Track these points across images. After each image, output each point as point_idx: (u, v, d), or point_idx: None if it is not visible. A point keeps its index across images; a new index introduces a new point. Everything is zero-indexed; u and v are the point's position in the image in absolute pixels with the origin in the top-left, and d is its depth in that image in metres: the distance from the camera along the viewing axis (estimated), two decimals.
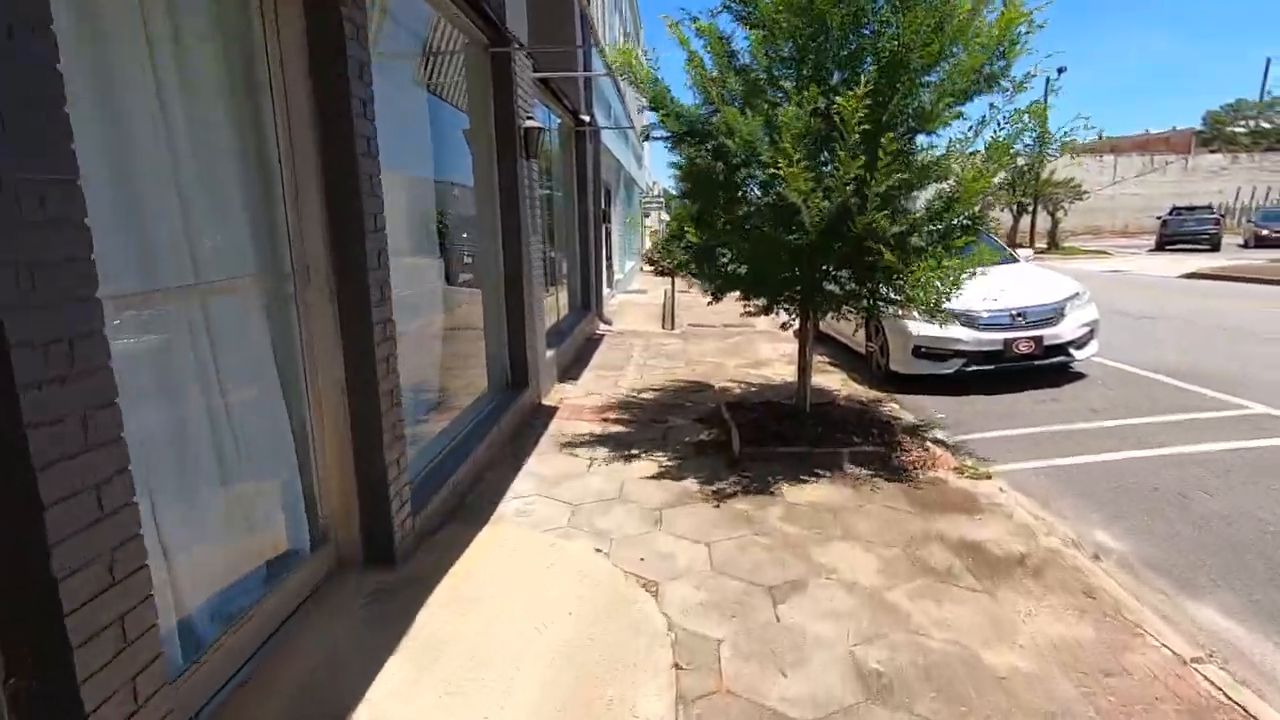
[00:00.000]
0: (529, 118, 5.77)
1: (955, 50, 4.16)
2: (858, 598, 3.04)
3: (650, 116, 5.12)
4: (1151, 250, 26.84)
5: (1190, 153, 43.29)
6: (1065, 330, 6.45)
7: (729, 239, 4.87)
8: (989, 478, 4.40)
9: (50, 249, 1.40)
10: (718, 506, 4.01)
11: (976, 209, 4.30)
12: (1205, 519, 3.82)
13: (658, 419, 5.83)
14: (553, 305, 8.60)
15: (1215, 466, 4.51)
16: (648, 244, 25.51)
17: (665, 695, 2.39)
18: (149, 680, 1.61)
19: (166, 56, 2.11)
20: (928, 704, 2.36)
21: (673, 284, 12.20)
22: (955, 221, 4.23)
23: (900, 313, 4.93)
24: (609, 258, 14.92)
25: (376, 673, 2.40)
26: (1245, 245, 25.39)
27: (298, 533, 2.78)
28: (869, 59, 4.23)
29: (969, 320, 6.32)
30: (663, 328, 11.22)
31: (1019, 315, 6.35)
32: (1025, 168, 4.35)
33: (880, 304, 4.70)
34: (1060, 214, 31.87)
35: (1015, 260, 7.91)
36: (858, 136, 3.89)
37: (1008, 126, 4.23)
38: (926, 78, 4.33)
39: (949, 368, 6.44)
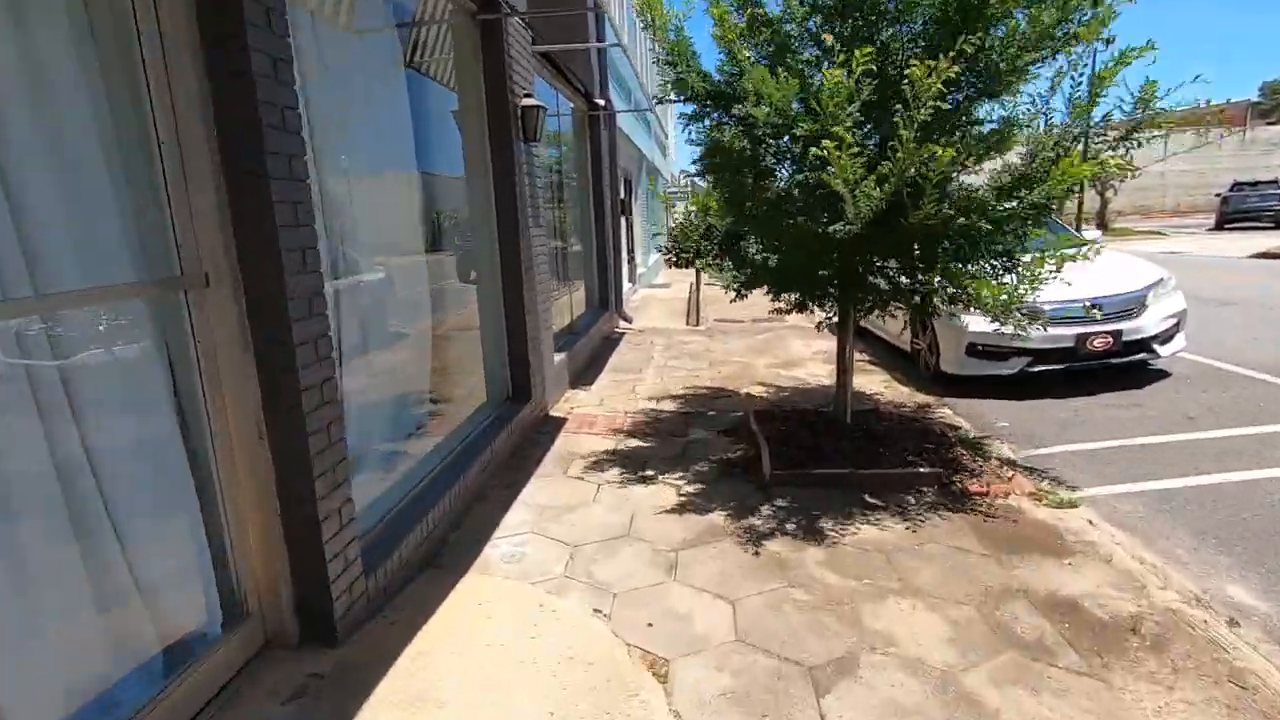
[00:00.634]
0: (527, 95, 5.13)
1: None
2: (926, 683, 2.35)
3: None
4: (1210, 229, 25.17)
5: (1246, 125, 40.75)
6: (1148, 323, 5.59)
7: (755, 226, 4.18)
8: (1074, 506, 3.65)
9: None
10: (745, 547, 3.34)
11: (1061, 189, 3.51)
12: None
13: (677, 431, 5.17)
14: (566, 304, 7.98)
15: None
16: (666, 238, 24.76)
17: None
18: None
19: None
20: None
21: (697, 277, 11.49)
22: (1033, 201, 3.45)
23: (956, 309, 4.16)
24: (630, 251, 14.25)
25: None
26: None
27: (203, 609, 2.19)
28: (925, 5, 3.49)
29: (1034, 313, 5.50)
30: (686, 324, 10.53)
31: (1094, 306, 5.52)
32: (1119, 137, 3.54)
33: (936, 302, 3.95)
34: (1110, 193, 30.20)
35: (1085, 243, 7.01)
36: (926, 114, 3.13)
37: (1083, 88, 3.45)
38: (996, 30, 3.58)
39: (1010, 368, 5.64)
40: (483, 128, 4.79)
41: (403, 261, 4.00)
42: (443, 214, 4.65)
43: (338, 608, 2.40)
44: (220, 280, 2.12)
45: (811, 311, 4.73)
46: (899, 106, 3.18)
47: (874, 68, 3.33)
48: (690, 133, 4.15)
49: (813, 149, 3.30)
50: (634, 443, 4.94)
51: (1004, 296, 3.55)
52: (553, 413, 5.74)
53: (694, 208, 5.39)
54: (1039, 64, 3.59)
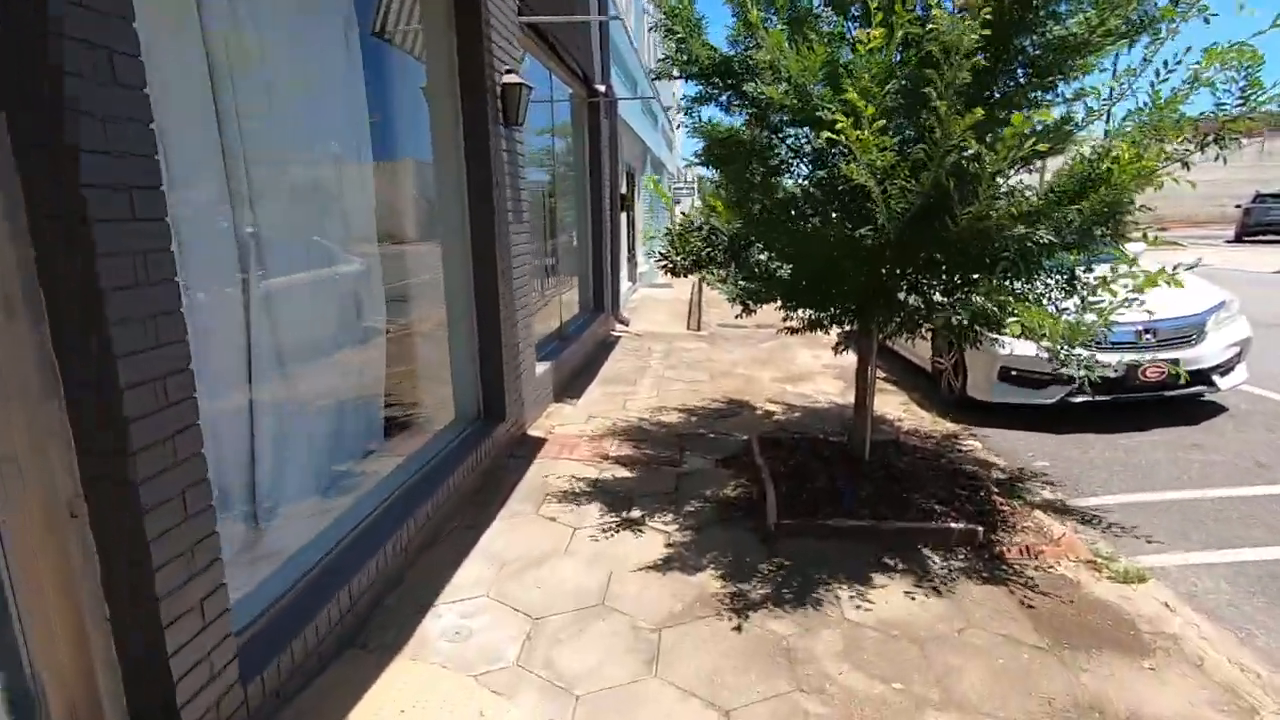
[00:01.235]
0: (509, 71, 4.48)
1: None
2: None
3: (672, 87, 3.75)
4: (1230, 241, 24.39)
5: (1265, 135, 39.88)
6: (1208, 352, 4.92)
7: (765, 230, 3.53)
8: (1143, 580, 3.02)
9: None
10: (744, 627, 2.71)
11: (1132, 197, 2.87)
12: None
13: (670, 459, 4.54)
14: (555, 306, 7.34)
15: None
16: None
17: None
18: None
19: None
20: None
21: (700, 278, 10.84)
22: (1105, 201, 2.78)
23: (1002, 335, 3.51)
24: (631, 249, 13.59)
25: None
26: None
27: None
28: None
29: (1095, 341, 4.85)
30: (687, 328, 9.88)
31: (1147, 332, 4.86)
32: (1218, 133, 2.89)
33: (981, 328, 3.30)
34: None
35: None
36: (967, 75, 2.51)
37: (1171, 75, 2.79)
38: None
39: (1048, 397, 4.99)
40: (455, 108, 4.14)
41: (354, 256, 3.37)
42: (400, 204, 4.01)
43: None
44: (13, 311, 1.48)
45: (827, 330, 4.09)
46: (929, 71, 2.55)
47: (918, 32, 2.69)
48: (695, 115, 3.49)
49: (826, 132, 2.66)
50: (620, 472, 4.31)
51: (1064, 331, 2.89)
52: (531, 431, 5.10)
53: (701, 204, 4.79)
54: (1115, 43, 2.94)
